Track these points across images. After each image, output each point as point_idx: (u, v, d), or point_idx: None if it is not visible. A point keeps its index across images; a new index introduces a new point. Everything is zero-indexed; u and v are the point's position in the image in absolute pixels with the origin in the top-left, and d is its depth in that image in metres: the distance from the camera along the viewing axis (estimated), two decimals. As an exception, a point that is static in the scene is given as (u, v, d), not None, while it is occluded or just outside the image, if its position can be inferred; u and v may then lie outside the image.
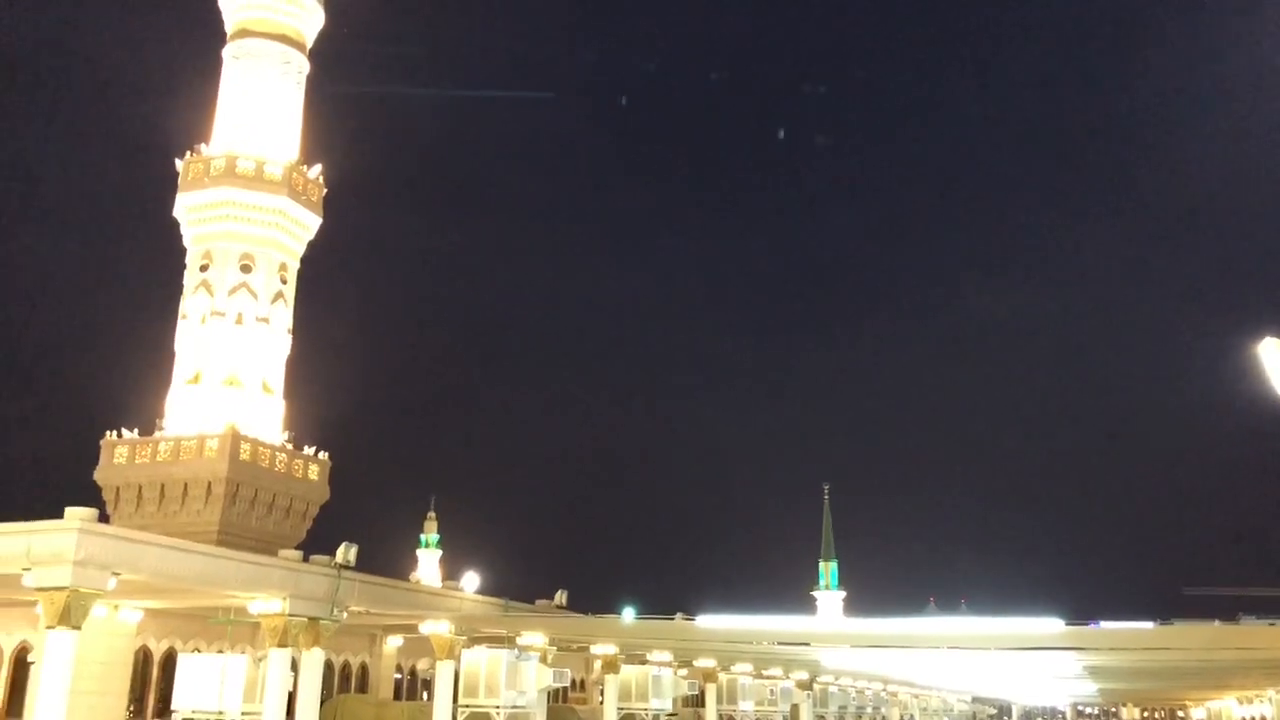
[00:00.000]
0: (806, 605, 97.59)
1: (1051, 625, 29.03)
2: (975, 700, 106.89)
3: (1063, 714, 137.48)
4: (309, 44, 49.02)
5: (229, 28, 47.96)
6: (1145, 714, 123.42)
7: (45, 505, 24.77)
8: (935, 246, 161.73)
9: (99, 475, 41.98)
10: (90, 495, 41.59)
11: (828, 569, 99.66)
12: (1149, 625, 38.31)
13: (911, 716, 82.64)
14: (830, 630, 47.14)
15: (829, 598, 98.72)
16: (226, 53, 47.72)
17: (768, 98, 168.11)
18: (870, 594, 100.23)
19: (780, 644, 44.00)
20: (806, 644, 43.01)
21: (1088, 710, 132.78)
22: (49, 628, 23.65)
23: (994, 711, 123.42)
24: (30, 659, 31.56)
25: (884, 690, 74.45)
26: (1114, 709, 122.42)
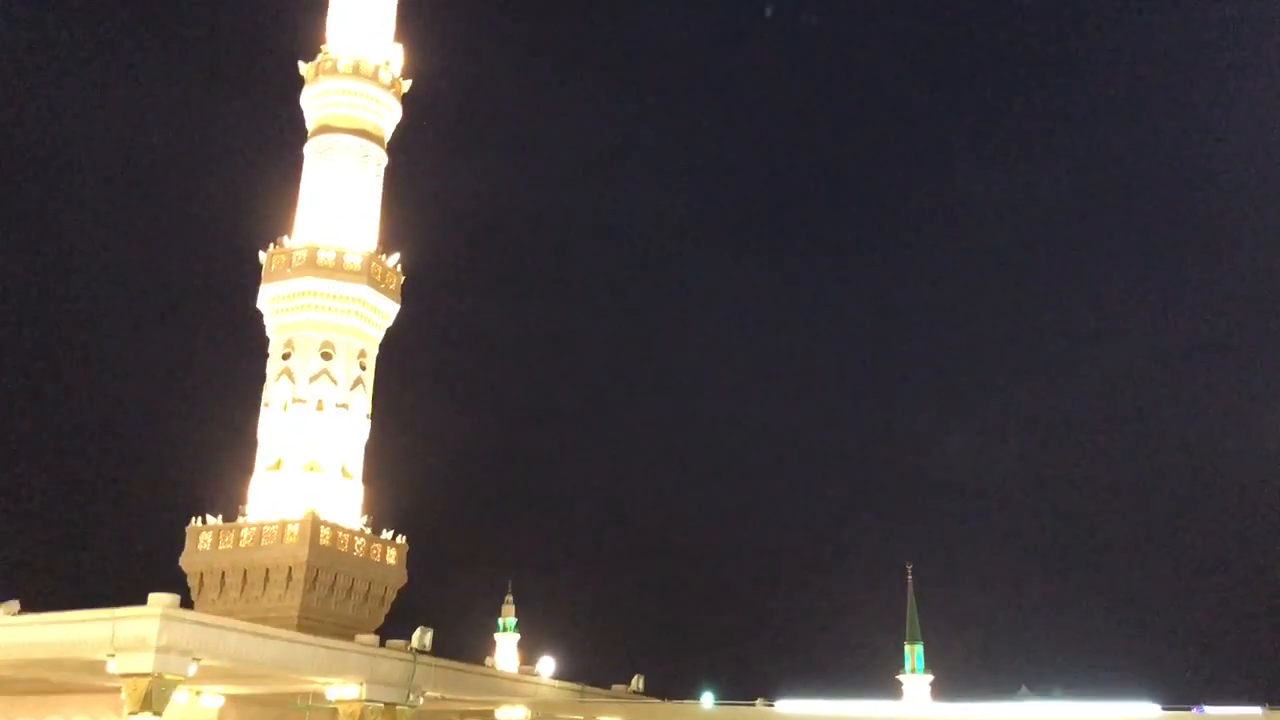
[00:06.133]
0: (891, 689, 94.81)
1: (1148, 710, 27.81)
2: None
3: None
4: (387, 138, 50.61)
5: (310, 124, 49.77)
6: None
7: (134, 592, 25.29)
8: (1013, 321, 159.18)
9: (184, 562, 42.75)
10: (177, 582, 42.35)
11: (913, 652, 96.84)
12: (1257, 710, 36.62)
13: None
14: (918, 715, 45.71)
15: (915, 681, 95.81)
16: (308, 148, 49.44)
17: (844, 174, 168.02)
18: (959, 678, 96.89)
19: (865, 730, 42.73)
20: (893, 730, 41.74)
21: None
22: (131, 714, 24.00)
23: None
24: (114, 745, 31.94)
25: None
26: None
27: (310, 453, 44.12)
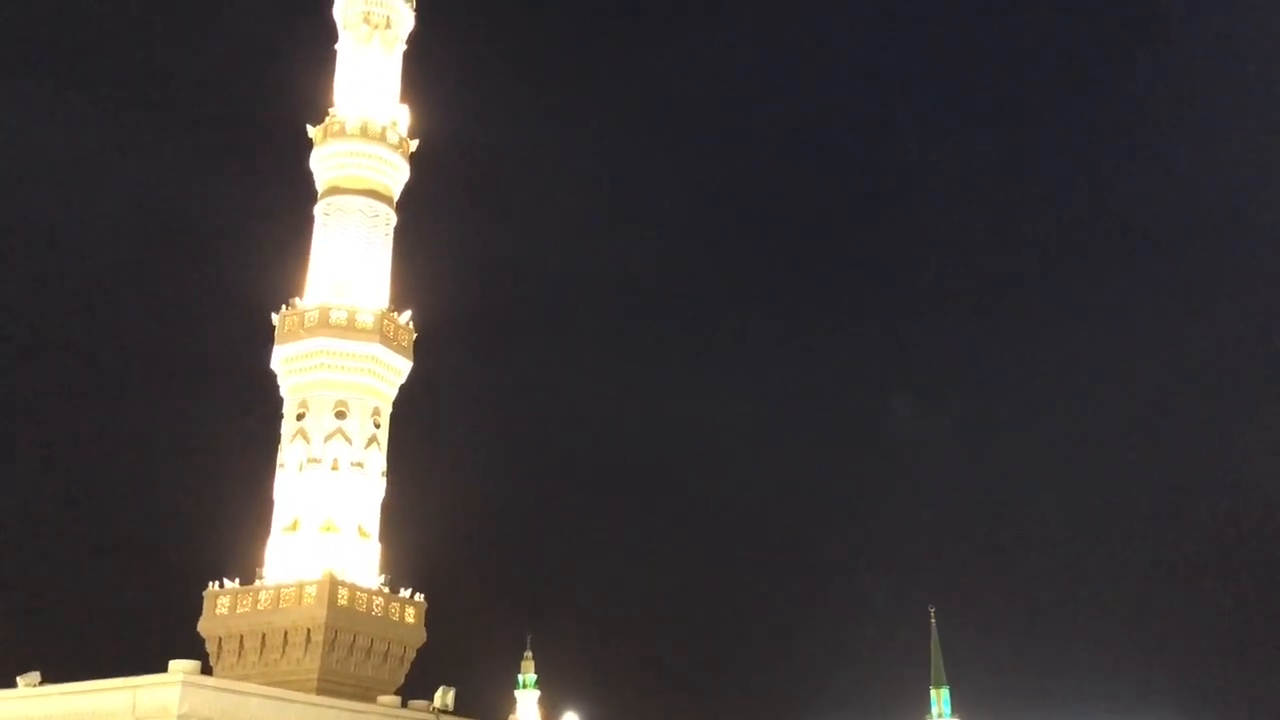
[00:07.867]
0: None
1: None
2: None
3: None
4: (396, 197, 50.99)
5: (319, 186, 50.20)
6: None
7: (153, 660, 25.16)
8: (1032, 355, 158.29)
9: (202, 626, 42.51)
10: (195, 647, 42.10)
11: (939, 696, 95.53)
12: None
13: None
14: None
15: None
16: (318, 209, 49.82)
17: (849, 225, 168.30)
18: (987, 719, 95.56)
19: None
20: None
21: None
22: (153, 784, 23.74)
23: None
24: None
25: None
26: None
27: (326, 513, 44.01)
